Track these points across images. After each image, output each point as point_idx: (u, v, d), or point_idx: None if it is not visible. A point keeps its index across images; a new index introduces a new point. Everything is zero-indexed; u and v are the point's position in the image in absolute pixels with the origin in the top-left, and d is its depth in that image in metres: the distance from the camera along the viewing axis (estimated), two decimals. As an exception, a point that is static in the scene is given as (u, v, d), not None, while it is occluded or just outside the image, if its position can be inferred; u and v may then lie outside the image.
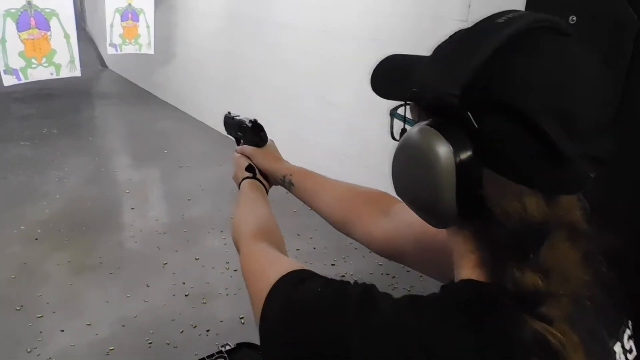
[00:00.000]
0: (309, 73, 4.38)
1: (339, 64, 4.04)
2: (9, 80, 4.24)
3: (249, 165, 1.13)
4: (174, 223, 4.05)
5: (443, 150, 0.50)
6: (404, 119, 0.62)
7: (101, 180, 4.85)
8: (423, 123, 0.53)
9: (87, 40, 11.04)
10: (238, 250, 0.87)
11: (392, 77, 0.65)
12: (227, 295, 3.14)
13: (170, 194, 4.75)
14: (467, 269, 0.55)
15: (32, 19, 4.06)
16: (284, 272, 0.61)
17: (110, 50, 6.22)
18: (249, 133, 1.16)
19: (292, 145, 4.93)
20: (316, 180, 1.04)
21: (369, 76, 0.67)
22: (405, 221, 0.80)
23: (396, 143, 0.59)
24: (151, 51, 6.39)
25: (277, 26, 4.71)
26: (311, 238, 3.70)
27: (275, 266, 0.66)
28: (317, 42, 4.26)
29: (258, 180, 1.11)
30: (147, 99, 7.96)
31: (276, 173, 1.10)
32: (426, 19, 3.21)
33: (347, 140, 4.05)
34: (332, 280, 0.57)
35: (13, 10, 3.91)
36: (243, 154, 1.16)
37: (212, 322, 2.89)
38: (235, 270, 3.28)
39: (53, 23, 4.22)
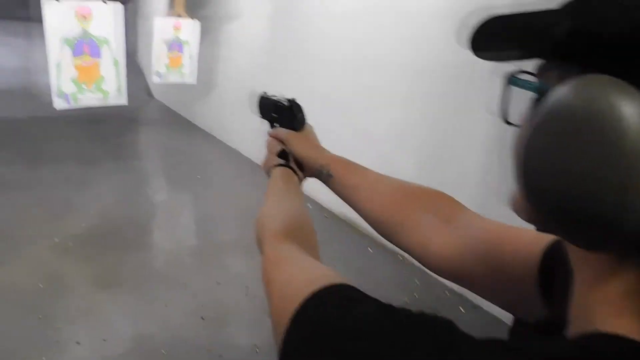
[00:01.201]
0: (344, 104, 4.44)
1: (375, 95, 4.07)
2: (60, 104, 4.49)
3: (282, 150, 0.98)
4: (199, 245, 4.10)
5: None
6: (532, 87, 0.45)
7: (135, 201, 5.00)
8: (593, 77, 0.34)
9: (137, 71, 11.64)
10: (260, 250, 0.72)
11: (516, 32, 0.46)
12: (245, 321, 3.12)
13: (198, 217, 4.83)
14: (614, 319, 0.37)
15: (86, 46, 4.30)
16: (317, 287, 0.46)
17: (155, 79, 6.51)
18: (285, 114, 1.01)
19: None
20: (360, 174, 0.87)
21: (470, 38, 0.51)
22: (476, 234, 0.63)
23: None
24: (193, 81, 6.66)
25: (312, 58, 4.82)
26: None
27: (305, 277, 0.52)
28: (352, 73, 4.32)
29: (291, 168, 0.95)
30: (187, 127, 8.25)
31: (313, 161, 0.93)
32: (463, 50, 3.22)
33: (383, 171, 4.03)
34: (389, 305, 0.42)
35: (70, 38, 4.15)
36: (276, 138, 1.00)
37: (227, 347, 2.86)
38: (255, 295, 3.27)
39: (104, 51, 4.47)
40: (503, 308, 0.63)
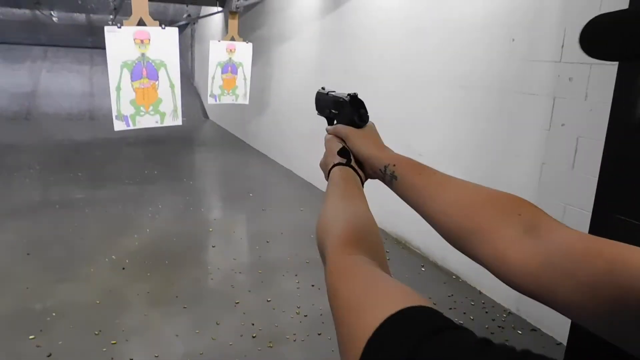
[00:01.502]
0: (394, 123, 4.34)
1: (425, 113, 3.97)
2: (119, 126, 4.64)
3: (343, 148, 0.89)
4: (251, 264, 4.09)
5: None
6: None
7: (189, 218, 5.09)
8: None
9: (194, 94, 12.09)
10: (323, 260, 0.65)
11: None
12: (295, 341, 3.04)
13: (250, 235, 4.84)
14: None
15: (144, 69, 4.46)
16: (394, 309, 0.40)
17: (210, 100, 6.68)
18: (346, 109, 0.93)
19: (378, 193, 4.86)
20: (429, 175, 0.78)
21: (582, 35, 0.45)
22: (563, 246, 0.55)
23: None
24: (246, 102, 6.78)
25: (360, 77, 4.78)
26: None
27: (379, 296, 0.46)
28: (401, 91, 4.24)
29: (353, 168, 0.87)
30: (241, 147, 8.41)
31: (376, 161, 0.84)
32: (516, 63, 3.07)
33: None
34: (487, 340, 0.37)
35: (129, 62, 4.32)
36: (336, 136, 0.92)
37: (277, 367, 2.80)
38: (306, 316, 3.19)
39: (161, 73, 4.61)
40: (598, 332, 0.52)
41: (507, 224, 0.63)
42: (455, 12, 3.58)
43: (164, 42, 4.37)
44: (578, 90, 2.69)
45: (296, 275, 3.77)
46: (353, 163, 0.88)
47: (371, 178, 0.89)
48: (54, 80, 12.44)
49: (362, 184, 0.88)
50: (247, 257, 4.29)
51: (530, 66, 2.95)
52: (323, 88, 1.05)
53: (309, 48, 5.97)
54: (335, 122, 0.98)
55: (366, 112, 0.91)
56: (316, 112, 1.07)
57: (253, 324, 3.16)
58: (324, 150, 0.94)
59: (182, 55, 13.83)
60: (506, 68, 3.14)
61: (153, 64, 4.47)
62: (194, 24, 11.93)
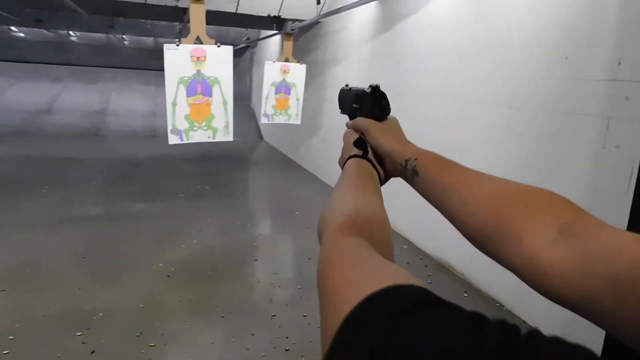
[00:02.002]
0: (442, 144, 4.27)
1: (472, 134, 3.87)
2: (173, 140, 4.82)
3: (359, 138, 0.84)
4: (291, 279, 4.09)
5: None
6: None
7: (235, 233, 5.18)
8: None
9: (250, 116, 12.47)
10: (320, 242, 0.59)
11: None
12: (329, 358, 2.98)
13: (293, 252, 4.86)
14: None
15: (199, 85, 4.66)
16: (379, 286, 0.36)
17: (263, 120, 6.85)
18: (367, 102, 0.88)
19: (422, 216, 4.83)
20: (453, 170, 0.71)
21: None
22: (606, 247, 0.47)
23: None
24: (298, 122, 6.90)
25: (411, 95, 4.76)
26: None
27: (368, 274, 0.41)
28: (450, 112, 4.17)
29: (370, 161, 0.81)
30: (291, 167, 8.55)
31: (397, 156, 0.78)
32: (568, 82, 2.94)
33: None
34: (481, 316, 0.32)
35: (185, 78, 4.52)
36: (356, 129, 0.86)
37: (308, 383, 2.75)
38: (341, 334, 3.14)
39: (215, 90, 4.79)
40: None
41: (539, 222, 0.56)
42: (504, 32, 3.51)
43: (219, 59, 4.55)
44: (635, 110, 2.53)
45: (335, 293, 3.73)
46: (370, 156, 0.83)
47: (392, 175, 0.83)
48: (122, 100, 13.26)
49: (381, 180, 0.82)
50: (288, 272, 4.29)
51: (582, 85, 2.82)
52: (347, 85, 1.01)
53: (361, 70, 6.03)
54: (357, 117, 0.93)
55: (388, 103, 0.86)
56: (339, 111, 1.03)
57: (287, 338, 3.14)
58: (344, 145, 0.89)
59: (241, 78, 14.38)
60: (557, 87, 3.02)
61: (208, 80, 4.66)
62: (253, 47, 12.39)
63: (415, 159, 0.75)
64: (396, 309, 0.33)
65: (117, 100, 13.36)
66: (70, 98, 13.21)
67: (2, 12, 8.66)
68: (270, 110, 6.86)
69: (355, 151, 0.83)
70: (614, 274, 0.44)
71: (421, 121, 4.54)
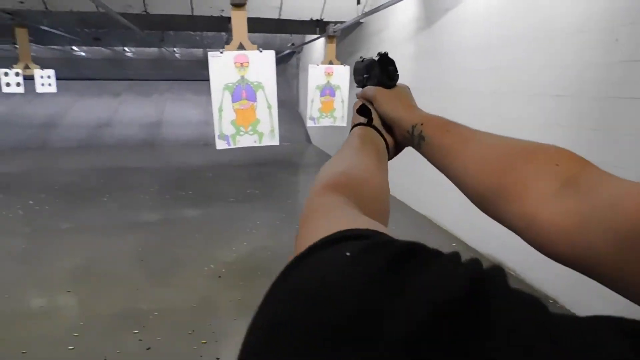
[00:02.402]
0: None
1: (517, 124, 3.74)
2: (220, 145, 4.96)
3: (362, 105, 0.81)
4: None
5: None
6: None
7: (284, 235, 5.27)
8: None
9: (298, 120, 12.63)
10: None
11: None
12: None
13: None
14: None
15: (243, 91, 4.78)
16: (332, 232, 0.33)
17: (310, 123, 6.92)
18: (375, 70, 0.85)
19: (469, 213, 4.72)
20: (457, 132, 0.67)
21: None
22: (608, 198, 0.44)
23: None
24: (344, 124, 6.92)
25: (455, 92, 4.67)
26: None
27: (330, 223, 0.38)
28: (494, 103, 4.05)
29: (375, 128, 0.78)
30: (338, 169, 8.59)
31: (404, 122, 0.75)
32: (618, 65, 2.79)
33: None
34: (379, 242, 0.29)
35: (230, 84, 4.65)
36: (364, 98, 0.83)
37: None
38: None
39: (259, 95, 4.90)
40: None
41: (540, 177, 0.52)
42: (548, 17, 3.38)
43: (262, 64, 4.65)
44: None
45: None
46: (378, 124, 0.79)
47: (403, 145, 0.80)
48: (176, 111, 13.80)
49: (390, 149, 0.78)
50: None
51: (636, 68, 2.66)
52: (361, 57, 0.99)
53: (404, 68, 5.97)
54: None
55: (395, 70, 0.83)
56: (356, 86, 1.00)
57: (335, 336, 3.16)
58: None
59: (288, 83, 14.59)
60: (605, 72, 2.86)
61: (252, 85, 4.77)
62: (299, 52, 12.55)
63: (422, 124, 0.72)
64: (322, 246, 0.30)
65: (171, 110, 13.93)
66: (128, 111, 13.91)
67: (64, 34, 9.28)
68: (316, 113, 6.91)
69: (361, 119, 0.80)
70: (616, 226, 0.41)
71: (465, 114, 4.44)
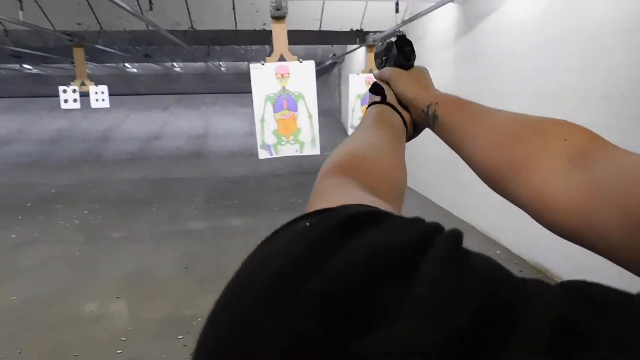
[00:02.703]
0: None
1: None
2: (263, 154, 5.05)
3: (374, 84, 0.80)
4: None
5: None
6: None
7: (325, 244, 5.28)
8: None
9: (341, 130, 12.67)
10: None
11: None
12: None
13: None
14: None
15: (284, 101, 4.86)
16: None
17: (351, 132, 6.93)
18: (392, 51, 0.85)
19: (514, 218, 4.57)
20: (469, 110, 0.66)
21: None
22: (615, 171, 0.43)
23: None
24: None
25: (498, 96, 4.56)
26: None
27: (327, 204, 0.35)
28: (539, 106, 3.93)
29: (390, 105, 0.76)
30: (409, 195, 8.49)
31: (419, 102, 0.73)
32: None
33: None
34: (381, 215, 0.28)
35: (271, 95, 4.74)
36: (381, 79, 0.82)
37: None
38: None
39: (300, 105, 4.96)
40: None
41: (549, 152, 0.51)
42: (590, 17, 3.25)
43: (302, 75, 4.72)
44: None
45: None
46: (393, 101, 0.76)
47: (420, 126, 0.77)
48: (221, 123, 14.19)
49: (408, 124, 0.75)
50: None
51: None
52: (381, 42, 1.01)
53: (445, 75, 5.90)
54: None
55: (412, 50, 0.82)
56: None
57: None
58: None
59: (331, 93, 14.67)
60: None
61: (292, 96, 4.84)
62: (340, 62, 12.63)
63: (436, 104, 0.70)
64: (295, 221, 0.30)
65: (217, 123, 14.32)
66: (177, 124, 14.41)
67: (118, 52, 9.76)
68: (357, 122, 6.93)
69: (375, 99, 0.79)
70: (624, 202, 0.40)
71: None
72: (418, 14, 5.27)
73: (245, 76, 4.61)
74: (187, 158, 12.01)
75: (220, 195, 7.99)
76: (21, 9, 5.57)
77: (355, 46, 7.87)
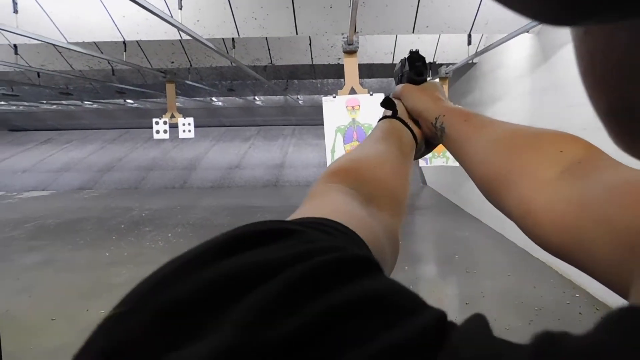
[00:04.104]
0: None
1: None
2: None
3: (386, 98, 0.80)
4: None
5: None
6: None
7: (393, 274, 5.21)
8: None
9: (414, 162, 12.61)
10: None
11: None
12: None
13: (449, 296, 4.71)
14: None
15: (355, 133, 4.99)
16: (294, 217, 0.36)
17: (422, 163, 6.89)
18: (406, 68, 0.86)
19: None
20: (474, 122, 0.64)
21: None
22: (606, 185, 0.40)
23: None
24: (457, 164, 6.77)
25: (573, 128, 4.38)
26: None
27: (307, 205, 0.42)
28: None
29: (401, 120, 0.74)
30: (454, 211, 8.33)
31: (428, 114, 0.72)
32: None
33: None
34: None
35: (342, 127, 4.90)
36: (394, 96, 0.82)
37: None
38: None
39: (370, 136, 5.06)
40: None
41: (543, 164, 0.49)
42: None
43: (372, 107, 4.84)
44: None
45: (492, 339, 3.52)
46: (402, 115, 0.76)
47: (431, 139, 0.76)
48: (298, 154, 14.67)
49: (418, 139, 0.74)
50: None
51: None
52: (400, 60, 1.07)
53: (520, 106, 5.76)
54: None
55: (424, 65, 0.84)
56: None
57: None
58: None
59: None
60: None
61: (363, 127, 4.96)
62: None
63: (444, 116, 0.69)
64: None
65: (294, 153, 14.82)
66: (256, 154, 15.11)
67: (205, 86, 10.55)
68: (429, 154, 6.87)
69: (387, 113, 0.78)
70: (610, 218, 0.37)
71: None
72: (491, 44, 5.24)
73: (321, 109, 4.81)
74: (264, 187, 12.50)
75: (293, 223, 8.22)
76: (125, 50, 6.27)
77: (428, 79, 7.89)
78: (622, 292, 0.35)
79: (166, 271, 0.23)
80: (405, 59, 0.86)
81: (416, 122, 0.75)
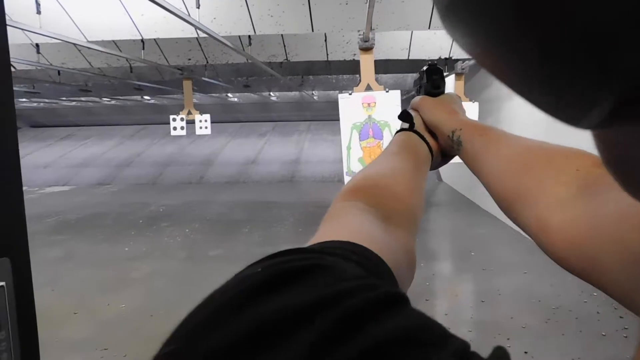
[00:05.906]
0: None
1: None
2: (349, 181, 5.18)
3: (403, 111, 0.80)
4: (461, 321, 3.97)
5: None
6: None
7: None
8: None
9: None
10: None
11: None
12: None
13: (465, 293, 4.70)
14: None
15: (370, 130, 4.99)
16: (318, 240, 0.38)
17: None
18: (423, 80, 0.87)
19: None
20: (491, 136, 0.65)
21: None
22: (615, 209, 0.40)
23: None
24: (474, 160, 6.75)
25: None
26: None
27: (327, 231, 0.43)
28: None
29: (417, 133, 0.75)
30: (470, 208, 8.28)
31: (444, 127, 0.73)
32: None
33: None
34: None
35: (358, 124, 4.90)
36: (412, 108, 0.82)
37: None
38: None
39: (385, 133, 5.06)
40: None
41: (559, 182, 0.50)
42: None
43: (388, 104, 4.84)
44: None
45: (508, 339, 3.50)
46: (419, 128, 0.76)
47: (449, 154, 0.77)
48: (313, 149, 14.69)
49: (434, 153, 0.74)
50: (458, 314, 4.17)
51: None
52: (419, 71, 1.07)
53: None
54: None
55: (441, 77, 0.84)
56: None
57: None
58: None
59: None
60: None
61: (378, 124, 4.96)
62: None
63: (460, 129, 0.70)
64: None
65: (309, 149, 14.85)
66: (272, 150, 15.17)
67: (221, 83, 10.62)
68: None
69: (404, 126, 0.79)
70: (621, 237, 0.37)
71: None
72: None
73: (336, 104, 4.82)
74: (279, 182, 12.56)
75: (308, 219, 8.25)
76: (143, 48, 6.35)
77: (445, 74, 7.84)
78: (635, 310, 0.35)
79: (208, 312, 0.26)
80: (423, 71, 0.87)
81: (433, 134, 0.76)
